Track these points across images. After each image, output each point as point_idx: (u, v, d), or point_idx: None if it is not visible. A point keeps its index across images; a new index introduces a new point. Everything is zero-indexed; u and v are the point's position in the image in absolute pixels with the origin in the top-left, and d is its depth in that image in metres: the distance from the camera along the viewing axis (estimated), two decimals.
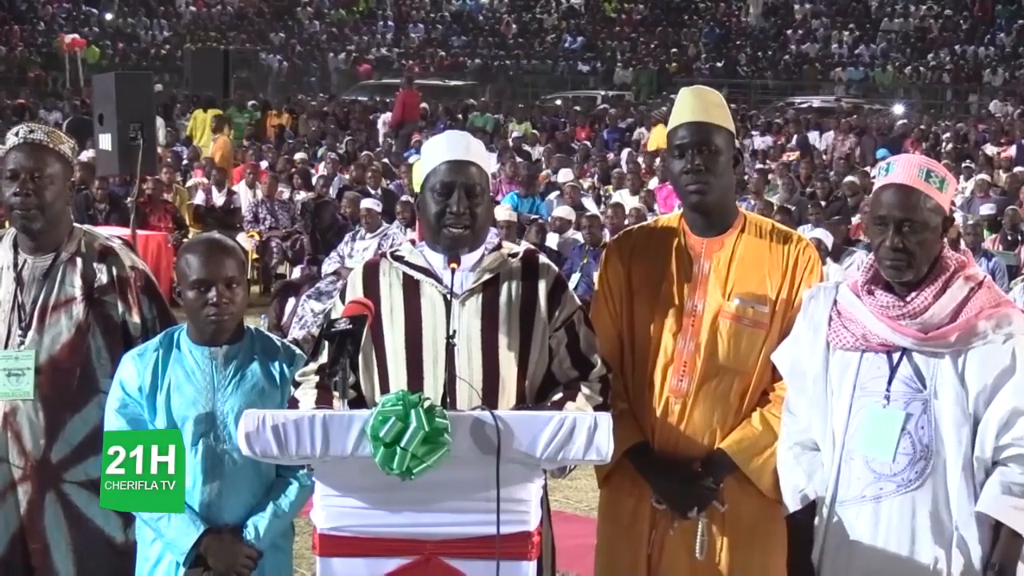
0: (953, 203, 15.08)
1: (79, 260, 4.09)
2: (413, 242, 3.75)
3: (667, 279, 3.83)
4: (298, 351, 3.93)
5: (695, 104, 3.83)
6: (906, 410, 3.49)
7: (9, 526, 4.04)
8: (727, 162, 3.80)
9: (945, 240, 3.60)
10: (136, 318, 4.09)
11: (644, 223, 4.19)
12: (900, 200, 3.49)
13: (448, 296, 3.55)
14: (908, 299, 3.50)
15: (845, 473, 3.57)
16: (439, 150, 3.66)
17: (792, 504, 3.66)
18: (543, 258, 3.76)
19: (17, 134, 4.09)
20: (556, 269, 3.75)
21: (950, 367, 3.47)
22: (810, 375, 3.63)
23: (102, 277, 4.08)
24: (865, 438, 3.53)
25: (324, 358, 3.55)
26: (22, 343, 4.02)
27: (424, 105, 25.65)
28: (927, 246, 3.50)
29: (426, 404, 3.15)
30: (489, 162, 3.74)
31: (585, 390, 3.59)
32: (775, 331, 3.77)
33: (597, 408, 3.53)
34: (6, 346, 4.03)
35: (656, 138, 23.22)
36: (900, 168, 3.55)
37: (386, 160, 19.02)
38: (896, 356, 3.52)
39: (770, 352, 3.76)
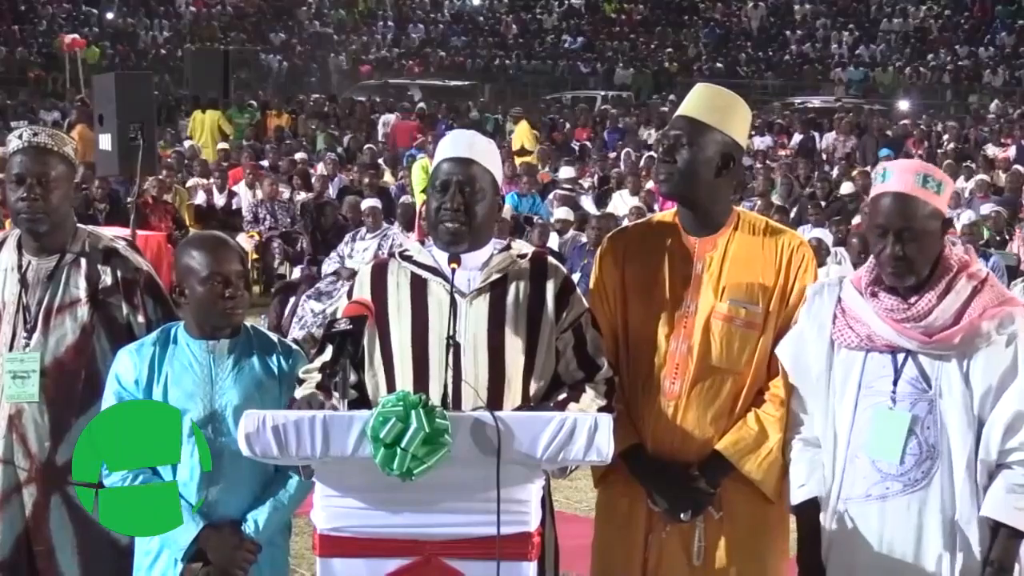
0: (955, 197, 15.02)
1: (83, 261, 4.06)
2: (422, 242, 3.74)
3: (661, 279, 3.80)
4: (295, 347, 3.93)
5: (693, 101, 3.84)
6: (912, 411, 3.49)
7: (14, 528, 4.01)
8: (706, 161, 3.73)
9: (947, 240, 3.59)
10: (141, 319, 4.06)
11: (639, 221, 4.15)
12: (898, 209, 3.49)
13: (453, 295, 3.54)
14: (912, 302, 3.50)
15: (850, 472, 3.57)
16: (443, 149, 3.65)
17: (794, 498, 3.66)
18: (552, 259, 3.74)
19: (20, 136, 4.05)
20: (565, 271, 3.73)
21: (955, 368, 3.47)
22: (813, 372, 3.63)
23: (106, 279, 4.05)
24: (871, 439, 3.52)
25: (328, 356, 3.55)
26: (27, 345, 4.00)
27: (419, 136, 25.34)
28: (927, 251, 3.50)
29: (427, 405, 3.14)
30: (496, 162, 3.69)
31: (589, 392, 3.58)
32: (769, 330, 3.74)
33: (600, 410, 3.50)
34: (11, 348, 4.00)
35: (520, 136, 23.03)
36: (896, 175, 3.54)
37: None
38: (901, 357, 3.52)
39: (764, 352, 3.74)
